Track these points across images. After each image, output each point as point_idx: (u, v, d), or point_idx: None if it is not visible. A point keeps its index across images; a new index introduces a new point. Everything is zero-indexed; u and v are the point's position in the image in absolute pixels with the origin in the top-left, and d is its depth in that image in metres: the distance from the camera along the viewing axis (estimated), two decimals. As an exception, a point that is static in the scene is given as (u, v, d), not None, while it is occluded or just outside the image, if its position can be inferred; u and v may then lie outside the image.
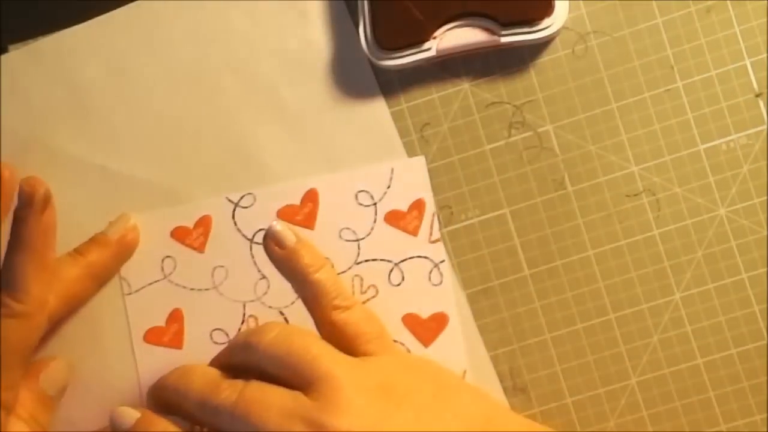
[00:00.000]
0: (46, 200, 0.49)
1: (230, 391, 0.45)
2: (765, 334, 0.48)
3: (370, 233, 0.50)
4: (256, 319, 0.51)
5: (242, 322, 0.51)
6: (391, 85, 0.50)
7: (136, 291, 0.51)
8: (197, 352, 0.50)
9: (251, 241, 0.51)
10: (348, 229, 0.50)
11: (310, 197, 0.50)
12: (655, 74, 0.49)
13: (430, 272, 0.50)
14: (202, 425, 0.46)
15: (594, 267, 0.49)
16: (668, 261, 0.49)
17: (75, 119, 0.52)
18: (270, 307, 0.51)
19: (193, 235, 0.51)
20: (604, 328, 0.49)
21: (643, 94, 0.49)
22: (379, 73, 0.50)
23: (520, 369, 0.50)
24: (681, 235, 0.49)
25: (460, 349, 0.50)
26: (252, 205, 0.51)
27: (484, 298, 0.50)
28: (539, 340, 0.49)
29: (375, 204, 0.50)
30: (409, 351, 0.50)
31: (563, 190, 0.49)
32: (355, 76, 0.50)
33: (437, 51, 0.48)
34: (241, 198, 0.51)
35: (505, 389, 0.50)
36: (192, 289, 0.51)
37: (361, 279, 0.50)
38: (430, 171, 0.50)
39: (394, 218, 0.50)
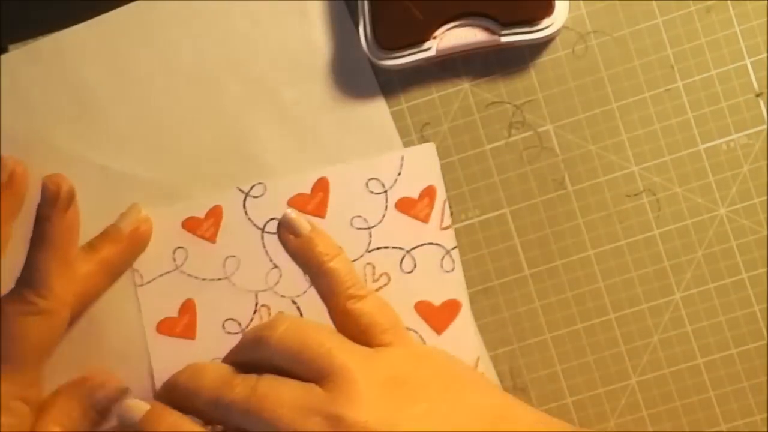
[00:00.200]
0: (70, 197, 0.49)
1: (243, 386, 0.44)
2: (765, 334, 0.48)
3: (381, 221, 0.50)
4: (268, 308, 0.50)
5: (254, 312, 0.51)
6: (391, 85, 0.50)
7: (148, 282, 0.51)
8: (210, 343, 0.50)
9: (262, 230, 0.51)
10: (359, 217, 0.50)
11: (321, 186, 0.50)
12: (656, 74, 0.49)
13: (442, 259, 0.50)
14: (215, 423, 0.46)
15: (594, 267, 0.49)
16: (668, 261, 0.49)
17: (75, 119, 0.52)
18: (282, 296, 0.50)
19: (204, 226, 0.51)
20: (604, 328, 0.49)
21: (644, 93, 0.49)
22: (379, 73, 0.50)
23: (520, 369, 0.50)
24: (681, 234, 0.49)
25: (473, 336, 0.50)
26: (263, 194, 0.51)
27: (484, 298, 0.50)
28: (539, 339, 0.49)
29: (386, 192, 0.50)
30: (422, 339, 0.50)
31: (563, 189, 0.49)
32: (355, 76, 0.50)
33: (437, 51, 0.48)
34: (252, 188, 0.51)
35: (505, 389, 0.49)
36: (204, 279, 0.51)
37: (373, 267, 0.50)
38: (430, 171, 0.50)
39: (405, 206, 0.50)
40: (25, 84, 0.52)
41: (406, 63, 0.49)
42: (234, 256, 0.51)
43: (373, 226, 0.50)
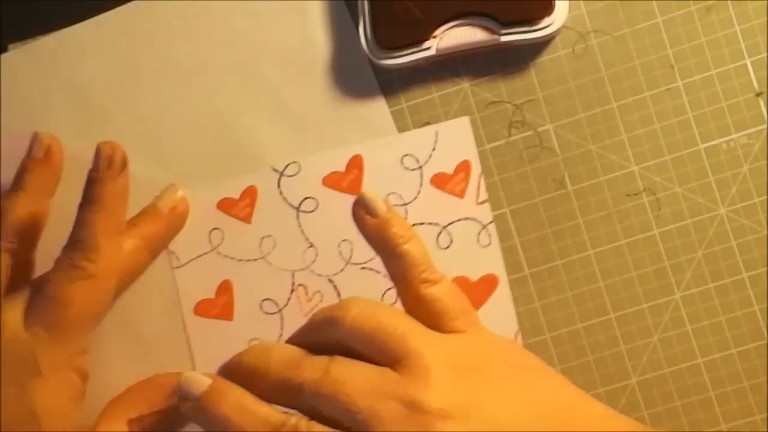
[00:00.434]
0: (124, 163, 0.48)
1: (314, 368, 0.43)
2: (765, 333, 0.48)
3: (416, 197, 0.50)
4: (305, 287, 0.50)
5: (291, 291, 0.50)
6: (391, 84, 0.50)
7: (185, 264, 0.51)
8: (248, 323, 0.50)
9: (297, 209, 0.50)
10: (394, 193, 0.50)
11: (356, 163, 0.50)
12: (656, 73, 0.49)
13: (479, 234, 0.50)
14: (281, 405, 0.44)
15: (594, 266, 0.49)
16: (668, 260, 0.49)
17: (75, 119, 0.52)
18: (319, 275, 0.50)
19: (239, 206, 0.51)
20: (604, 328, 0.49)
21: (644, 93, 0.49)
22: (379, 72, 0.50)
23: (520, 368, 0.50)
24: (681, 234, 0.49)
25: (511, 311, 0.49)
26: (297, 173, 0.51)
27: (484, 297, 0.50)
28: (539, 339, 0.49)
29: (420, 167, 0.50)
30: None
31: (563, 189, 0.49)
32: (355, 76, 0.50)
33: (437, 50, 0.48)
34: (286, 167, 0.51)
35: (505, 389, 0.50)
36: (240, 260, 0.51)
37: None
38: (430, 170, 0.50)
39: (440, 181, 0.50)
40: (25, 84, 0.52)
41: (406, 62, 0.49)
42: (270, 236, 0.50)
43: (409, 203, 0.50)
